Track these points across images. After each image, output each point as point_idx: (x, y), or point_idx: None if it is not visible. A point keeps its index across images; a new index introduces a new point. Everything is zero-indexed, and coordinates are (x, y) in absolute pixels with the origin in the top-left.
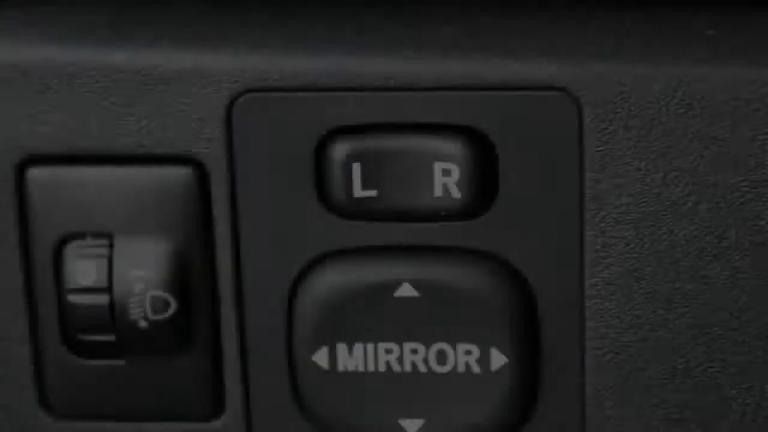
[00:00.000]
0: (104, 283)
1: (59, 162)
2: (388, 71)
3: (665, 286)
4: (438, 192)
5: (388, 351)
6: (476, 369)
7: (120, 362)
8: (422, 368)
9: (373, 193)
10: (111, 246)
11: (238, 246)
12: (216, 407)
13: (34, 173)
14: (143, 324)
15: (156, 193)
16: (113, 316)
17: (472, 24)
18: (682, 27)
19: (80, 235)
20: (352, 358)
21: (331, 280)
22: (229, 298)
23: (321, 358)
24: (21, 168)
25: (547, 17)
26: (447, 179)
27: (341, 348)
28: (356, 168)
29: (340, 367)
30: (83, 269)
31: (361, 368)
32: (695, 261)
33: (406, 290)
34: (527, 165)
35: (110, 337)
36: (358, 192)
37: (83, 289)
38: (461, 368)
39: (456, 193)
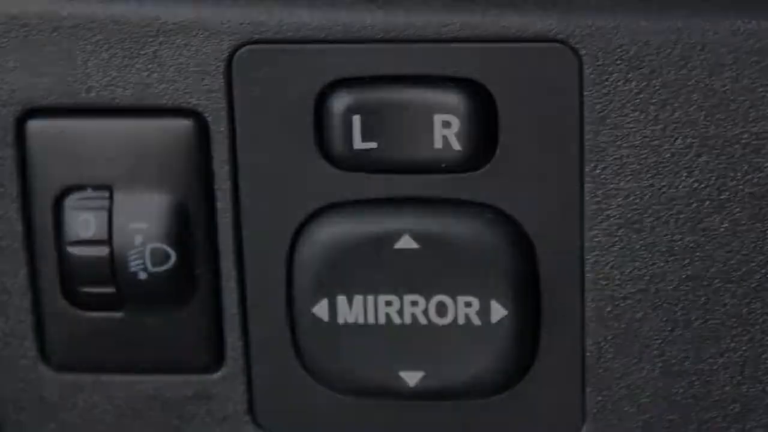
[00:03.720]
0: (104, 235)
1: (59, 114)
2: (388, 23)
3: (665, 238)
4: (438, 144)
5: (388, 303)
6: (476, 321)
7: (120, 314)
8: (422, 320)
9: (373, 145)
10: (111, 198)
11: (238, 198)
12: (216, 359)
13: (34, 125)
14: (143, 276)
15: (156, 145)
16: (113, 268)
17: None
18: None
19: (80, 188)
20: (352, 310)
21: (331, 232)
22: (229, 251)
23: (321, 310)
24: (21, 120)
25: None
26: (447, 131)
27: (341, 300)
28: (356, 120)
29: (340, 320)
30: (83, 221)
31: (361, 320)
32: (695, 213)
33: (406, 242)
34: (527, 117)
35: (110, 290)
36: (358, 144)
37: (83, 242)
38: (461, 320)
39: (456, 145)
